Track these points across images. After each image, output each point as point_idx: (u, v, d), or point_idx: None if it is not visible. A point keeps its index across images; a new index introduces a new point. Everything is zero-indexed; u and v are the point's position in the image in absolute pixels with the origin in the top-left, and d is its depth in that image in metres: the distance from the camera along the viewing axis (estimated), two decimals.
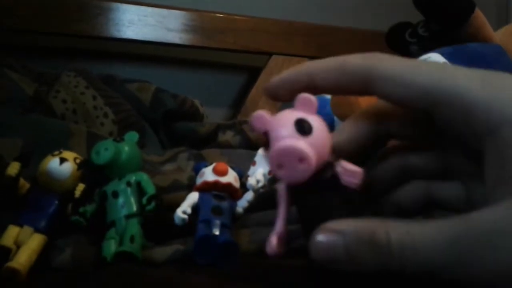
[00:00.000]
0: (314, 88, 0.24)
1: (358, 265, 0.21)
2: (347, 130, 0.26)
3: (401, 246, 0.20)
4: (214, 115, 0.78)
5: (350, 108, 0.42)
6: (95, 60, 0.82)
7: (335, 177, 0.23)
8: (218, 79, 0.90)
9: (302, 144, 0.22)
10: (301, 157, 0.22)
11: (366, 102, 0.42)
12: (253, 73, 0.89)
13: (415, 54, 0.42)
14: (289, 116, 0.23)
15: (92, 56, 0.83)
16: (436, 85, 0.22)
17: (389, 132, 0.26)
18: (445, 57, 0.40)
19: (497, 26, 0.53)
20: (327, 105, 0.49)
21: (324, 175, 0.23)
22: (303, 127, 0.23)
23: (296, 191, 0.24)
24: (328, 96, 0.50)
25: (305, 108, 0.23)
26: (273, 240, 0.25)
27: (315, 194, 0.24)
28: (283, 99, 0.25)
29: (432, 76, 0.22)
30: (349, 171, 0.23)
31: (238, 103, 0.90)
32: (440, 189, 0.26)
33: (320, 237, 0.21)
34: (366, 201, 0.27)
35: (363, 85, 0.23)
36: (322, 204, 0.24)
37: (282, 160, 0.23)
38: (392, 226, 0.21)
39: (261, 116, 0.23)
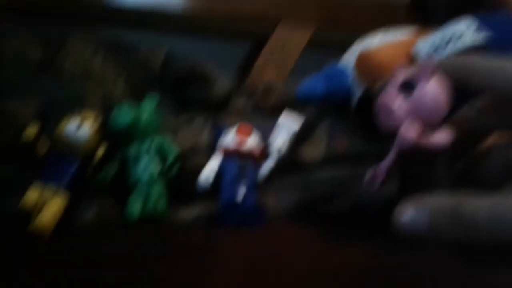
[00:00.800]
0: None
1: (440, 238, 0.22)
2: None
3: (487, 218, 0.21)
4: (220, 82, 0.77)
5: (372, 69, 0.42)
6: (98, 28, 0.80)
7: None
8: (224, 47, 0.89)
9: (393, 104, 0.26)
10: (389, 113, 0.26)
11: (391, 68, 0.41)
12: (260, 41, 0.87)
13: (441, 22, 0.41)
14: (404, 74, 0.27)
15: (95, 24, 0.81)
16: None
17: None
18: (476, 24, 0.38)
19: None
20: (344, 72, 0.49)
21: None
22: (406, 88, 0.26)
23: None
24: (346, 64, 0.49)
25: (423, 71, 0.26)
26: (370, 172, 0.28)
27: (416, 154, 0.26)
28: None
29: None
30: (400, 133, 0.26)
31: (244, 71, 0.88)
32: None
33: (403, 212, 0.23)
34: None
35: None
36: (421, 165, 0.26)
37: (378, 110, 0.27)
38: (476, 199, 0.21)
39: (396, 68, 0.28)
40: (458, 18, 0.40)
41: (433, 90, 0.26)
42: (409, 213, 0.23)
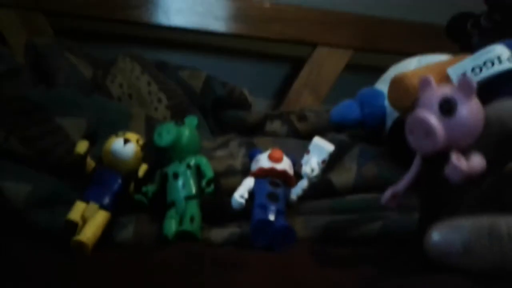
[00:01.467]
0: None
1: (474, 259, 0.21)
2: None
3: None
4: (257, 105, 0.78)
5: (406, 93, 0.42)
6: (143, 47, 0.84)
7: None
8: (262, 69, 0.91)
9: (433, 120, 0.24)
10: (428, 132, 0.24)
11: None
12: (297, 64, 0.89)
13: (477, 46, 0.41)
14: (441, 92, 0.24)
15: (140, 43, 0.85)
16: None
17: None
18: (511, 49, 0.39)
19: None
20: (379, 96, 0.49)
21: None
22: (446, 107, 0.24)
23: (426, 166, 0.26)
24: (381, 89, 0.50)
25: (464, 90, 0.24)
26: (388, 193, 0.27)
27: (437, 171, 0.24)
28: None
29: None
30: (453, 164, 0.23)
31: (281, 94, 0.90)
32: None
33: (436, 233, 0.22)
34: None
35: None
36: (442, 183, 0.24)
37: (413, 127, 0.25)
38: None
39: (426, 82, 0.25)
40: (493, 43, 0.40)
41: (475, 112, 0.24)
42: (442, 233, 0.22)
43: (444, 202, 0.25)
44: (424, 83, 0.25)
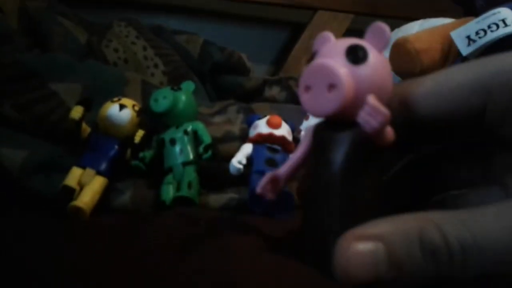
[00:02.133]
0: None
1: (411, 278, 0.15)
2: (438, 82, 0.20)
3: (462, 244, 0.15)
4: (256, 70, 0.77)
5: (408, 57, 0.41)
6: (139, 12, 0.82)
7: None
8: (261, 34, 0.89)
9: (338, 67, 0.18)
10: (332, 82, 0.18)
11: (428, 56, 0.40)
12: (297, 29, 0.87)
13: (481, 9, 0.40)
14: (348, 42, 0.19)
15: (136, 7, 0.83)
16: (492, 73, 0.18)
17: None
18: None
19: None
20: None
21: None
22: (354, 55, 0.18)
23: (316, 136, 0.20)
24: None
25: (374, 39, 0.19)
26: (264, 179, 0.22)
27: (334, 136, 0.19)
28: None
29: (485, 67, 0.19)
30: (372, 108, 0.18)
31: (280, 60, 0.89)
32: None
33: (351, 248, 0.15)
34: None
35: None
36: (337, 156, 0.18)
37: (311, 81, 0.19)
38: (442, 219, 0.15)
39: (326, 37, 0.20)
40: (496, 7, 0.39)
41: (386, 64, 0.19)
42: (357, 249, 0.15)
43: (342, 191, 0.19)
44: (323, 39, 0.20)
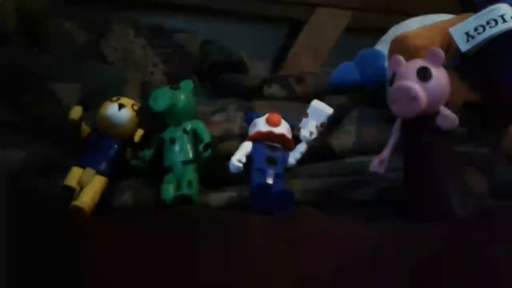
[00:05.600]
0: None
1: None
2: None
3: None
4: (255, 68, 0.77)
5: (407, 54, 0.41)
6: (138, 11, 0.82)
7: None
8: (261, 32, 0.89)
9: (416, 86, 0.29)
10: (412, 97, 0.29)
11: (427, 48, 0.40)
12: (296, 26, 0.87)
13: (480, 5, 0.40)
14: (416, 64, 0.30)
15: (135, 6, 0.83)
16: None
17: None
18: None
19: None
20: (380, 58, 0.48)
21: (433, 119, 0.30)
22: (423, 74, 0.29)
23: (406, 128, 0.31)
24: (381, 50, 0.49)
25: (432, 59, 0.30)
26: (375, 161, 0.32)
27: (418, 131, 0.30)
28: None
29: None
30: (444, 115, 0.29)
31: (280, 57, 0.89)
32: None
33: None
34: None
35: None
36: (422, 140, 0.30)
37: (397, 96, 0.29)
38: None
39: (398, 60, 0.31)
40: (495, 4, 0.39)
41: (445, 76, 0.30)
42: None
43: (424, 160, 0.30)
44: (397, 62, 0.31)
